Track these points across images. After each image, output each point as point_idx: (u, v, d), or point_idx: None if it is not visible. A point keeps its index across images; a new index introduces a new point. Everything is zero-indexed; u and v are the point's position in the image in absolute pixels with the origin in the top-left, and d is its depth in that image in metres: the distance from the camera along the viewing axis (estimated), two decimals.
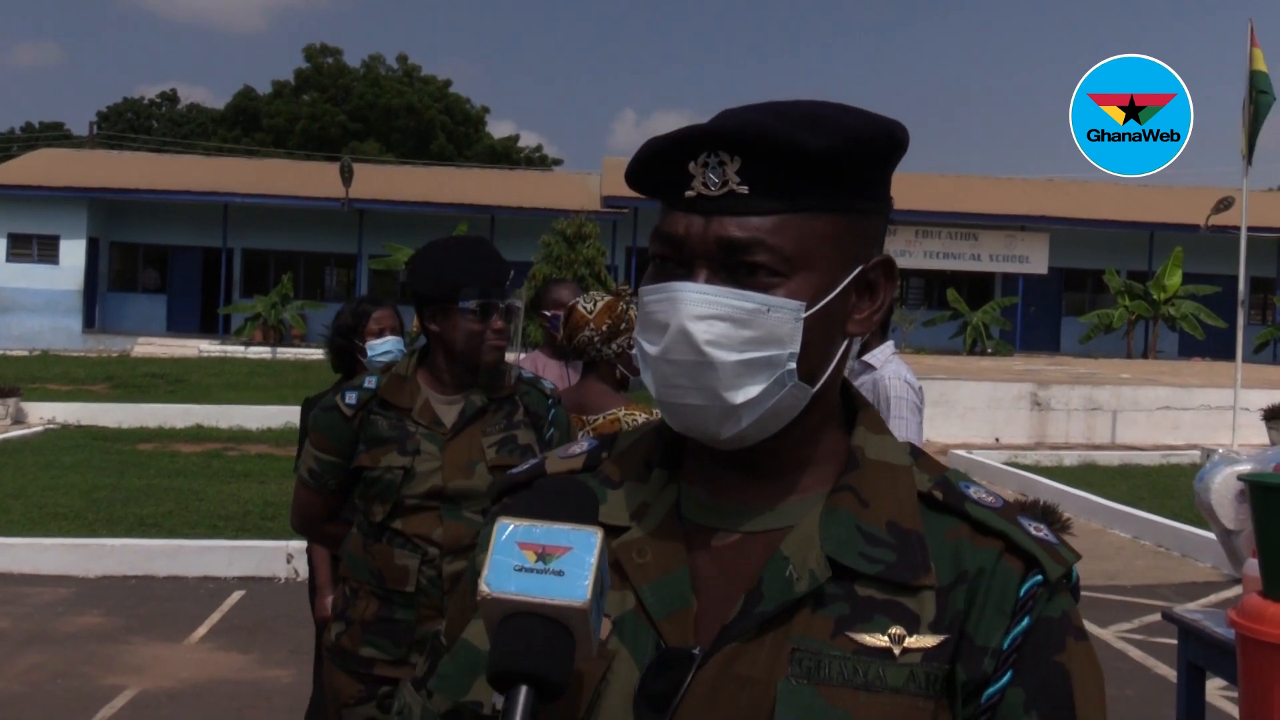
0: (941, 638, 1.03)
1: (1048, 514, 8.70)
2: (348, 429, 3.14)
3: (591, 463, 1.18)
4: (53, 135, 60.23)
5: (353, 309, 4.66)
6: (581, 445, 1.23)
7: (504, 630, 0.93)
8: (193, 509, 10.20)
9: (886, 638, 1.02)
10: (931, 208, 32.64)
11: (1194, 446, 16.20)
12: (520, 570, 0.94)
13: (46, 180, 31.85)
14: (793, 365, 1.05)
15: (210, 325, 32.98)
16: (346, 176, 30.06)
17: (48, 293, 31.13)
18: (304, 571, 7.53)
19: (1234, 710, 5.71)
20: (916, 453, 1.15)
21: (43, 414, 17.17)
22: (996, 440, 16.92)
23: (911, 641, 1.02)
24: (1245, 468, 4.52)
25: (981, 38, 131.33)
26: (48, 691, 6.08)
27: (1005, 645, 1.03)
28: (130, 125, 63.40)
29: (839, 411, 1.16)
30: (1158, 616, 6.03)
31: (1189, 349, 32.49)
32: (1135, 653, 7.22)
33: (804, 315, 1.05)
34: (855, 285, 1.10)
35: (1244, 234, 14.12)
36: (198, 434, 16.04)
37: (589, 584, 0.93)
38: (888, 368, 4.95)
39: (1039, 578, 1.05)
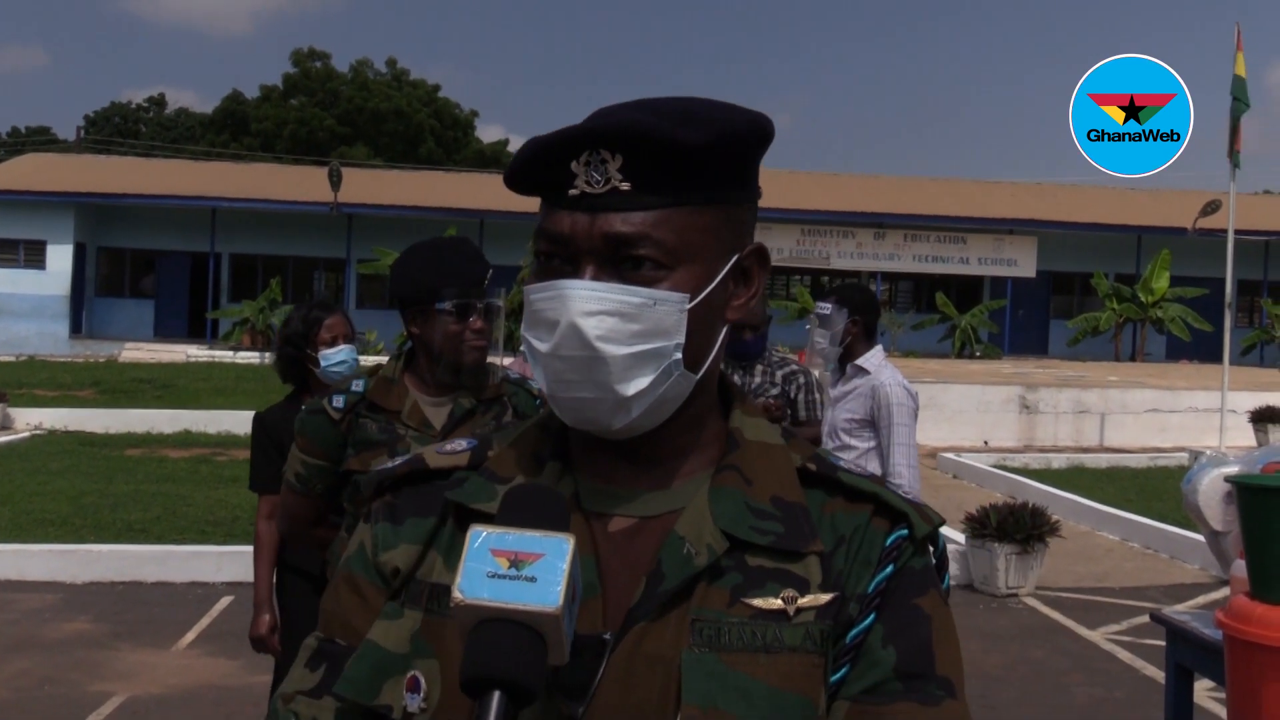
0: (831, 595, 1.09)
1: (1036, 516, 8.71)
2: (335, 432, 3.13)
3: (477, 459, 1.19)
4: (39, 140, 60.03)
5: (303, 316, 4.39)
6: (462, 442, 1.23)
7: (477, 636, 0.94)
8: (181, 514, 10.17)
9: (780, 600, 1.07)
10: (920, 211, 32.76)
11: (1182, 449, 16.26)
12: (493, 577, 0.94)
13: (33, 185, 31.74)
14: (679, 355, 1.09)
15: (198, 330, 32.89)
16: (335, 181, 30.02)
17: (35, 298, 31.03)
18: None
19: (1222, 712, 5.73)
20: (787, 433, 1.20)
21: (30, 419, 17.11)
22: (985, 443, 16.96)
23: (804, 601, 1.08)
24: (1233, 470, 4.53)
25: (970, 43, 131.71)
26: (35, 698, 6.05)
27: (870, 590, 1.10)
28: (118, 130, 63.23)
29: (716, 395, 1.20)
30: (1146, 618, 6.06)
31: (1177, 352, 32.59)
32: (1124, 654, 7.23)
33: (688, 306, 1.09)
34: (732, 274, 1.15)
35: (1231, 237, 14.16)
36: (186, 439, 15.99)
37: (561, 590, 0.93)
38: (884, 373, 4.96)
39: (904, 531, 1.13)
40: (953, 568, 8.95)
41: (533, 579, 0.94)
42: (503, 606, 0.93)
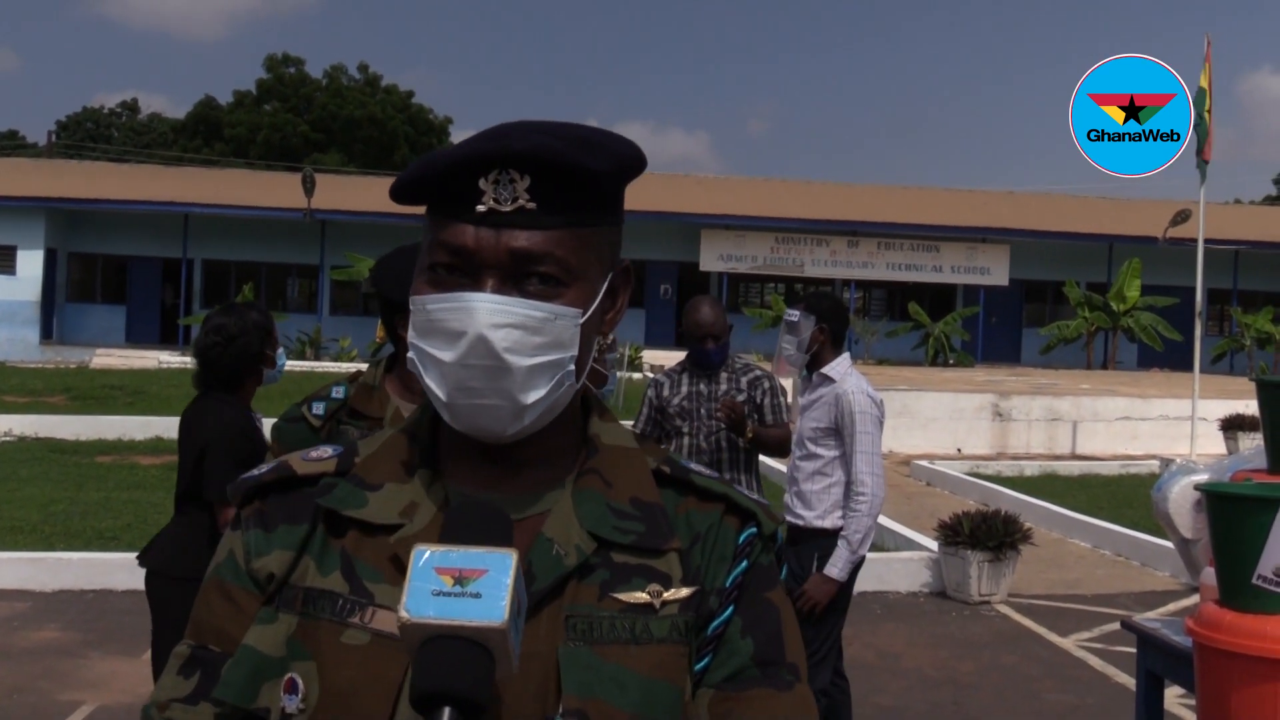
0: (692, 589, 1.17)
1: (1008, 524, 8.75)
2: (314, 439, 3.10)
3: (344, 466, 1.23)
4: (10, 144, 59.57)
5: (260, 316, 4.36)
6: (327, 450, 1.26)
7: (425, 653, 0.95)
8: (152, 522, 10.07)
9: (646, 594, 1.15)
10: (894, 219, 32.88)
11: (1153, 456, 16.36)
12: (438, 595, 0.96)
13: (3, 190, 31.47)
14: (572, 366, 1.17)
15: (170, 336, 32.69)
16: (308, 187, 29.92)
17: (5, 304, 30.77)
18: None
19: (1192, 718, 5.77)
20: (640, 438, 1.28)
21: None
22: (958, 451, 17.03)
23: (669, 594, 1.16)
24: (1202, 477, 4.56)
25: (944, 52, 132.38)
26: (4, 708, 6.00)
27: (728, 583, 1.19)
28: (90, 135, 62.83)
29: (579, 402, 1.27)
30: (1117, 625, 6.10)
31: (1148, 360, 32.82)
32: (1095, 661, 7.27)
33: (581, 321, 1.16)
34: (607, 291, 1.22)
35: (1201, 246, 14.28)
36: (157, 446, 15.86)
37: (506, 604, 0.95)
38: (849, 381, 4.97)
39: (754, 530, 1.23)
40: (926, 575, 9.01)
41: (478, 595, 0.96)
42: (449, 624, 0.95)
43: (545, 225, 1.13)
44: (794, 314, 5.08)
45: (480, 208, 1.13)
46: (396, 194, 1.20)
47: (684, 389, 5.34)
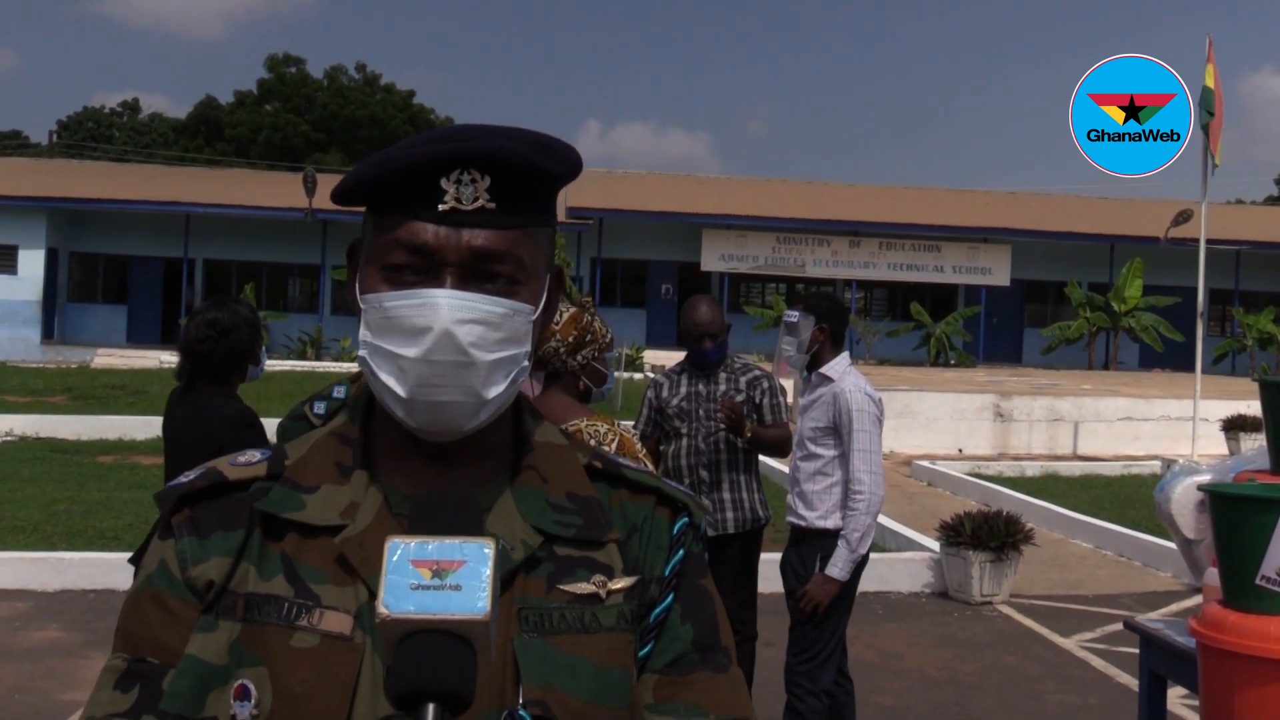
0: (634, 579, 1.22)
1: (1010, 524, 8.75)
2: None
3: (275, 470, 1.22)
4: (12, 144, 59.58)
5: (250, 308, 4.39)
6: (255, 454, 1.25)
7: (404, 649, 0.93)
8: (153, 522, 10.06)
9: (592, 585, 1.19)
10: (895, 219, 32.88)
11: (1154, 457, 16.36)
12: (417, 588, 0.94)
13: (4, 189, 31.47)
14: (526, 362, 1.20)
15: (171, 336, 32.66)
16: (310, 187, 29.91)
17: (6, 303, 30.78)
18: None
19: (1195, 719, 5.77)
20: (567, 434, 1.32)
21: (0, 426, 16.96)
22: (960, 451, 17.02)
23: (613, 584, 1.20)
24: (1205, 478, 4.55)
25: (946, 52, 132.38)
26: (5, 708, 5.99)
27: (666, 572, 1.24)
28: (91, 134, 62.84)
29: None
30: (1119, 626, 6.10)
31: (1149, 360, 32.81)
32: (1097, 662, 7.27)
33: (534, 318, 1.20)
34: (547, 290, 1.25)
35: (1203, 246, 14.27)
36: (158, 446, 15.80)
37: (487, 595, 0.94)
38: (847, 380, 4.96)
39: (686, 519, 1.27)
40: (927, 575, 9.00)
41: (457, 586, 0.94)
42: (429, 618, 0.93)
43: (504, 225, 1.16)
44: (793, 314, 5.07)
45: (442, 206, 1.15)
46: (346, 195, 1.21)
47: (683, 389, 5.34)
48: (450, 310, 1.13)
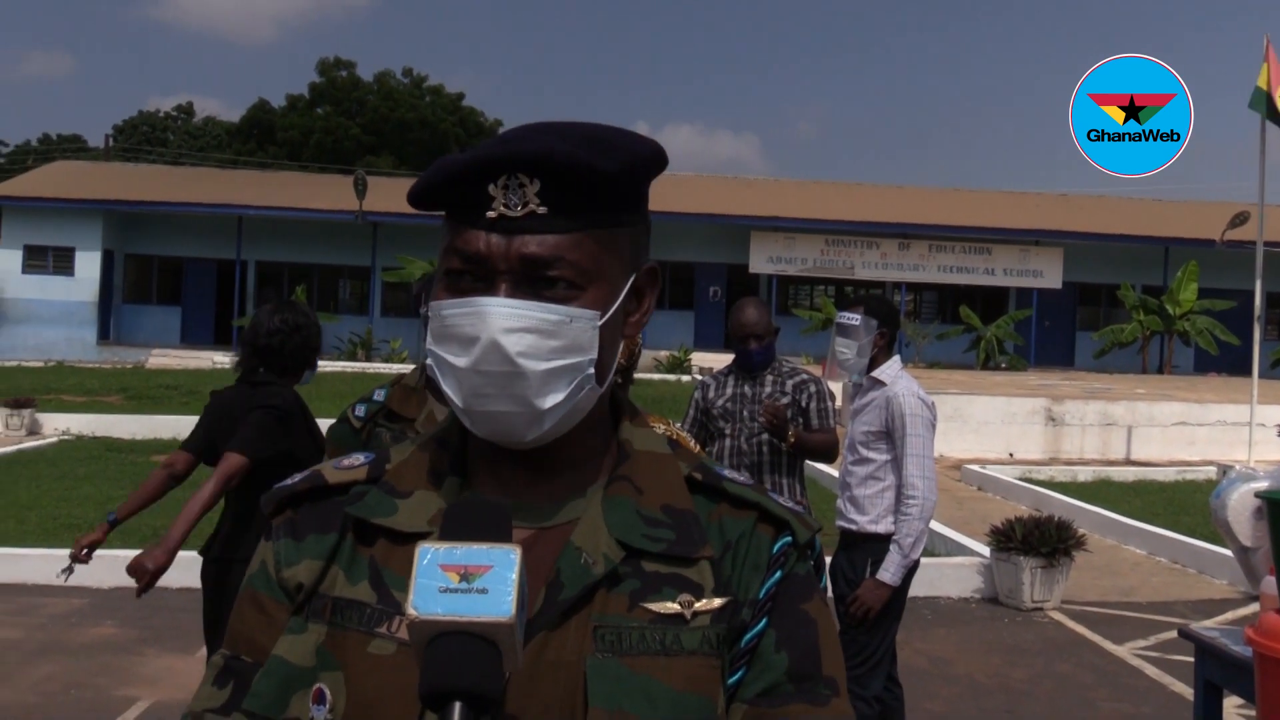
0: (724, 600, 1.15)
1: (1062, 529, 8.66)
2: (356, 441, 3.17)
3: (375, 473, 1.22)
4: (70, 147, 60.56)
5: (315, 323, 4.61)
6: (359, 457, 1.26)
7: (433, 650, 0.96)
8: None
9: (678, 605, 1.13)
10: (945, 222, 32.65)
11: (1210, 463, 16.13)
12: (445, 591, 0.97)
13: (62, 192, 32.04)
14: (592, 370, 1.15)
15: (224, 337, 33.06)
16: (360, 189, 30.18)
17: (63, 304, 31.28)
18: None
19: None
20: (673, 443, 1.26)
21: (57, 425, 17.24)
22: (1010, 455, 16.87)
23: (700, 605, 1.13)
24: (1262, 484, 4.50)
25: (996, 52, 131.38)
26: (61, 703, 6.09)
27: (761, 595, 1.16)
28: (146, 138, 63.71)
29: (609, 408, 1.25)
30: (1174, 634, 6.01)
31: (1204, 364, 32.37)
32: (1151, 670, 7.18)
33: (599, 323, 1.14)
34: (630, 292, 1.20)
35: (1260, 249, 14.07)
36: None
37: (513, 599, 0.96)
38: (899, 384, 4.93)
39: (789, 539, 1.19)
40: (977, 580, 8.94)
41: (484, 590, 0.97)
42: (456, 620, 0.96)
43: (557, 229, 1.12)
44: (853, 317, 5.01)
45: (491, 213, 1.12)
46: (413, 200, 1.19)
47: (729, 390, 5.33)
48: (498, 319, 1.10)
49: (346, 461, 1.25)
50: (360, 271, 34.47)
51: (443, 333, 1.14)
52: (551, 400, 1.12)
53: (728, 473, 1.23)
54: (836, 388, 9.43)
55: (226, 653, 1.21)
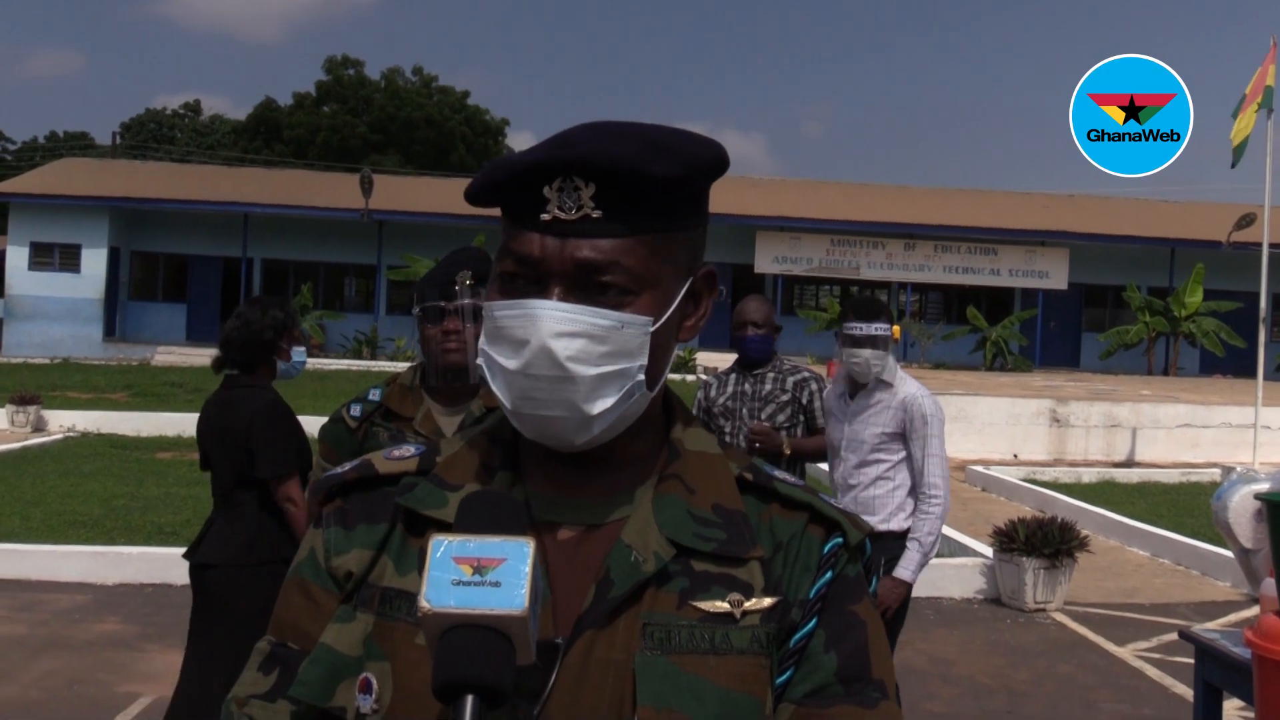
0: (774, 599, 1.14)
1: (1065, 531, 8.65)
2: (351, 441, 3.17)
3: (425, 465, 1.22)
4: (76, 145, 60.62)
5: (283, 310, 4.59)
6: (409, 448, 1.26)
7: (446, 643, 0.96)
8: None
9: (727, 604, 1.12)
10: (951, 222, 32.61)
11: (1214, 465, 16.11)
12: (458, 584, 0.97)
13: (68, 189, 32.08)
14: (642, 376, 1.14)
15: None
16: (366, 187, 30.19)
17: (69, 301, 31.33)
18: None
19: None
20: (724, 444, 1.25)
21: (63, 422, 17.28)
22: (1015, 456, 16.87)
23: (750, 604, 1.13)
24: (1263, 486, 4.50)
25: (1001, 52, 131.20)
26: (63, 698, 6.10)
27: (811, 595, 1.15)
28: (153, 135, 63.78)
29: (661, 408, 1.24)
30: (1175, 635, 6.01)
31: (1210, 366, 32.32)
32: (1152, 671, 7.17)
33: (652, 330, 1.13)
34: (686, 296, 1.19)
35: (1265, 251, 14.06)
36: None
37: (526, 592, 0.96)
38: (909, 386, 4.94)
39: (840, 539, 1.18)
40: (980, 581, 8.93)
41: (497, 583, 0.96)
42: (469, 612, 0.96)
43: (612, 233, 1.11)
44: (883, 328, 4.95)
45: (545, 216, 1.11)
46: (470, 198, 1.19)
47: (729, 389, 5.32)
48: (550, 322, 1.09)
49: (397, 452, 1.25)
50: (366, 270, 34.50)
51: (495, 334, 1.13)
52: (600, 405, 1.11)
53: (779, 473, 1.23)
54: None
55: (272, 639, 1.21)
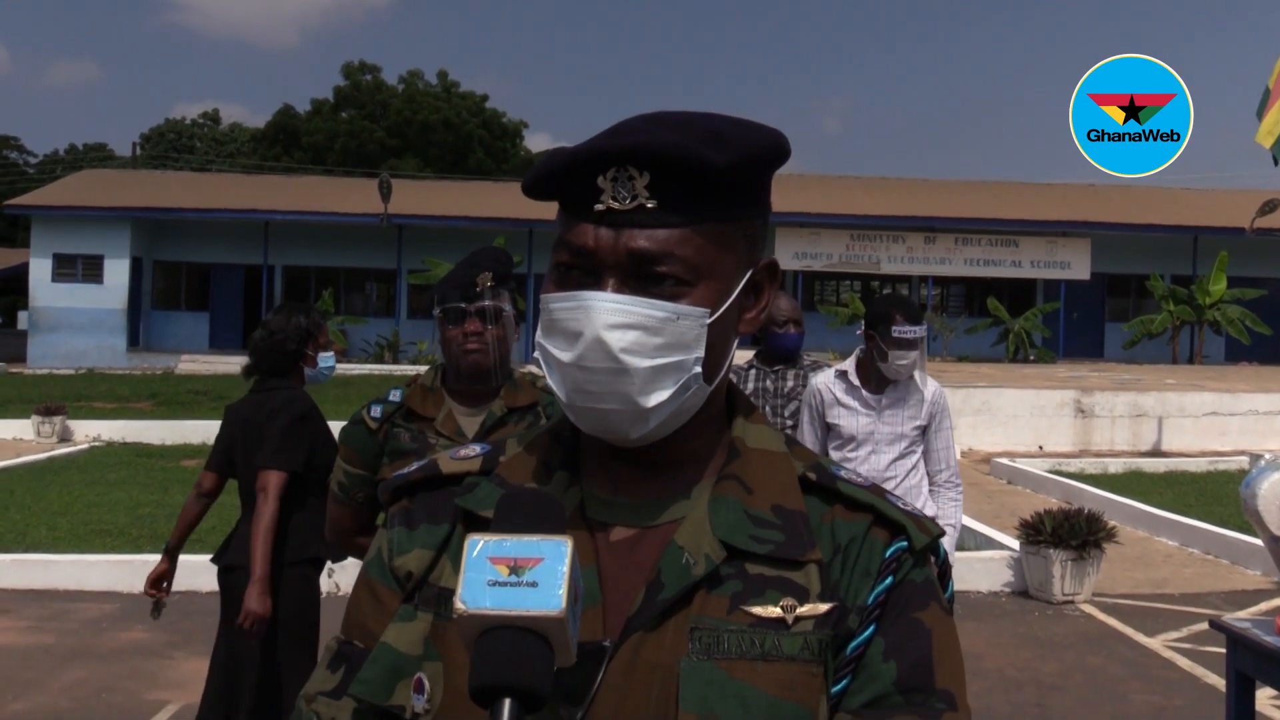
0: (830, 605, 1.10)
1: (1092, 522, 8.59)
2: (372, 442, 3.16)
3: (488, 465, 1.21)
4: (97, 156, 61.01)
5: (308, 316, 4.61)
6: (474, 448, 1.25)
7: (483, 645, 0.94)
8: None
9: (779, 609, 1.09)
10: (971, 214, 32.49)
11: (1242, 452, 15.97)
12: (494, 585, 0.94)
13: (90, 200, 32.27)
14: (699, 369, 1.11)
15: None
16: (385, 192, 30.27)
17: (93, 311, 31.51)
18: (345, 586, 7.56)
19: None
20: (789, 441, 1.22)
21: (88, 431, 17.38)
22: (1040, 448, 16.78)
23: (803, 610, 1.09)
24: None
25: (1021, 44, 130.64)
26: (92, 707, 6.13)
27: (869, 601, 1.11)
28: (173, 145, 64.11)
29: (723, 405, 1.22)
30: (1206, 625, 5.96)
31: (1236, 354, 32.09)
32: (1183, 662, 7.11)
33: (709, 321, 1.11)
34: (746, 288, 1.17)
35: None
36: None
37: (563, 593, 0.93)
38: (929, 379, 4.94)
39: (904, 544, 1.13)
40: (1007, 574, 8.88)
41: (534, 584, 0.94)
42: (506, 614, 0.93)
43: (667, 224, 1.09)
44: (918, 330, 4.91)
45: (599, 206, 1.09)
46: (526, 190, 1.18)
47: (750, 385, 5.32)
48: (604, 314, 1.07)
49: (463, 452, 1.24)
50: (386, 274, 34.59)
51: (549, 326, 1.12)
52: (656, 399, 1.09)
53: (844, 473, 1.19)
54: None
55: (341, 637, 1.22)
